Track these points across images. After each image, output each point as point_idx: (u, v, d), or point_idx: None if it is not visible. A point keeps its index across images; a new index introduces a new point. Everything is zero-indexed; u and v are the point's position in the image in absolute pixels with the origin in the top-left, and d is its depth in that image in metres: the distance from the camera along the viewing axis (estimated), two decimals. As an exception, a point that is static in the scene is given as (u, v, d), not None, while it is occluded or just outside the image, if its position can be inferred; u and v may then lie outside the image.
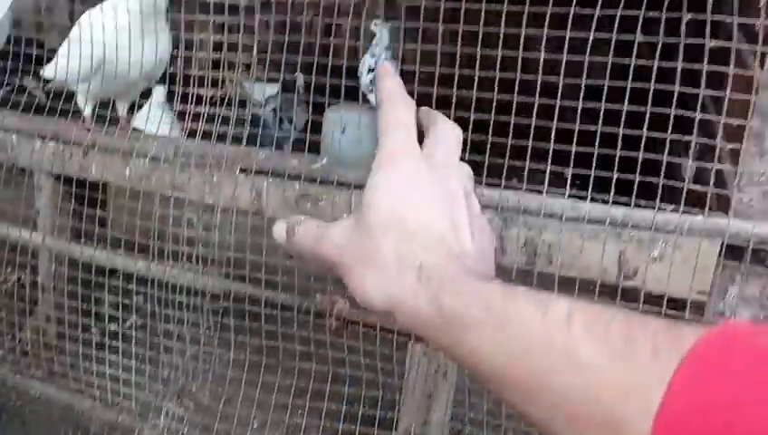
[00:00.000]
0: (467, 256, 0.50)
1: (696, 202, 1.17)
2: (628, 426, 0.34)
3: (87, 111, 1.98)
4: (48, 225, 2.04)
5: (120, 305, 1.62)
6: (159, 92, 2.34)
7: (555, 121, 1.10)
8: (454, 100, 1.27)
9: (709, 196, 1.03)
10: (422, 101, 0.61)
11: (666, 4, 1.00)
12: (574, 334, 0.39)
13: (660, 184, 1.06)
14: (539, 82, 1.13)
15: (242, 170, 1.48)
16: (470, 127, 1.18)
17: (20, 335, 2.08)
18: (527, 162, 1.19)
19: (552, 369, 0.39)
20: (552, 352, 0.39)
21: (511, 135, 1.17)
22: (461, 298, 0.45)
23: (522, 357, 0.41)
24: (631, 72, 1.08)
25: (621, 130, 1.07)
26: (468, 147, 1.24)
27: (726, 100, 1.03)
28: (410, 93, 0.59)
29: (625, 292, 1.43)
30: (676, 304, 1.39)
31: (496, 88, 1.17)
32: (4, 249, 2.00)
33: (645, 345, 0.36)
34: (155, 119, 1.70)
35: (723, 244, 1.08)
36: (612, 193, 1.13)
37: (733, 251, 1.09)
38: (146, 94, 2.15)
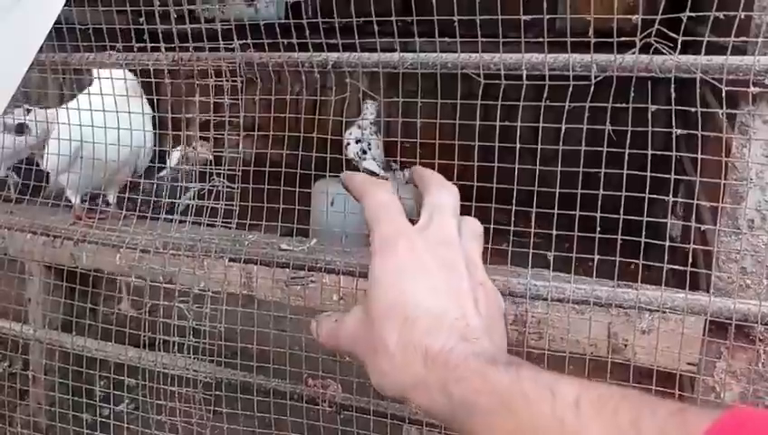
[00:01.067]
0: (473, 331, 0.51)
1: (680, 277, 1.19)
2: None
3: (76, 202, 2.02)
4: (39, 315, 2.04)
5: (112, 395, 1.60)
6: (175, 158, 2.37)
7: (535, 208, 1.12)
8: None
9: (688, 274, 1.05)
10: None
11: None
12: (583, 419, 0.39)
13: (640, 264, 1.08)
14: (516, 169, 1.16)
15: (231, 260, 1.50)
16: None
17: (9, 428, 2.05)
18: (510, 245, 1.21)
19: None
20: None
21: (492, 220, 1.20)
22: (469, 385, 0.46)
23: None
24: (604, 159, 1.12)
25: (599, 214, 1.10)
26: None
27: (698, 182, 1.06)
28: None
29: (617, 365, 1.44)
30: (670, 377, 1.39)
31: (476, 177, 1.20)
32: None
33: (652, 430, 0.36)
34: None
35: (706, 320, 1.10)
36: (595, 274, 1.15)
37: (718, 326, 1.10)
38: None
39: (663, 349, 1.32)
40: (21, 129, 2.76)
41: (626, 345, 1.42)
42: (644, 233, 1.09)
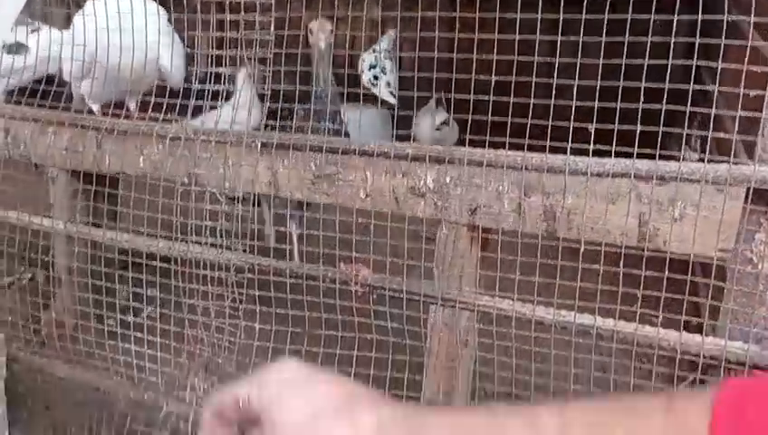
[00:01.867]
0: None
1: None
2: None
3: (95, 108, 2.01)
4: (64, 217, 2.05)
5: (145, 284, 1.62)
6: (242, 77, 2.31)
7: (577, 79, 1.11)
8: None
9: (734, 142, 1.04)
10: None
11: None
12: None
13: (683, 134, 1.07)
14: (558, 42, 1.14)
15: (263, 145, 1.49)
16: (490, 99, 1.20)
17: (40, 328, 2.09)
18: (549, 120, 1.20)
19: None
20: None
21: (533, 95, 1.19)
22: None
23: None
24: (651, 27, 1.10)
25: (643, 84, 1.08)
26: (490, 110, 1.26)
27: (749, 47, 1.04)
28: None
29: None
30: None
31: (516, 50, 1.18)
32: (17, 247, 2.00)
33: None
34: (245, 104, 1.68)
35: (749, 190, 1.09)
36: (636, 147, 1.14)
37: (759, 196, 1.10)
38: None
39: (695, 236, 1.32)
40: (19, 48, 2.45)
41: (657, 234, 1.42)
42: (661, 122, 1.09)
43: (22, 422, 1.83)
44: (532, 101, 1.21)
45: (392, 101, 3.82)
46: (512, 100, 1.22)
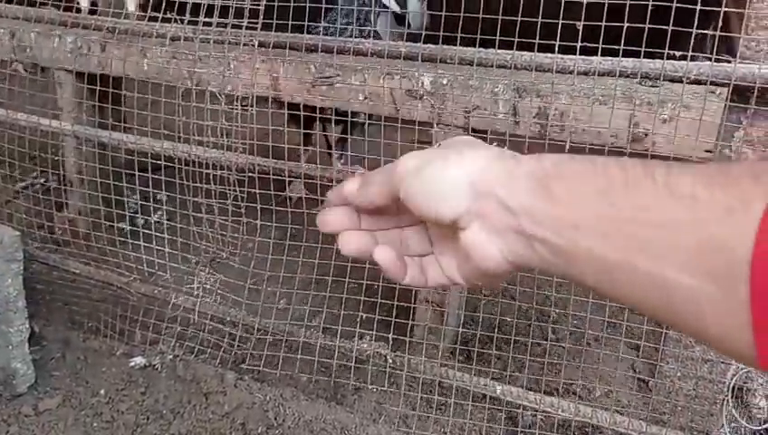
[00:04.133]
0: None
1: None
2: (729, 248, 0.33)
3: (84, 4, 2.01)
4: (71, 121, 2.09)
5: (151, 182, 1.68)
6: None
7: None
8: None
9: (717, 40, 1.06)
10: None
11: None
12: (672, 172, 0.36)
13: (669, 31, 1.09)
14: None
15: (260, 44, 1.52)
16: None
17: (54, 231, 2.17)
18: (539, 18, 1.22)
19: (654, 205, 0.36)
20: (653, 190, 0.36)
21: None
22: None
23: (622, 200, 0.37)
24: None
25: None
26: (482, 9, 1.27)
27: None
28: None
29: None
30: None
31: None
32: (28, 155, 2.06)
33: (742, 173, 0.34)
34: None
35: (729, 89, 1.12)
36: (622, 46, 1.16)
37: (740, 95, 1.12)
38: None
39: (682, 137, 1.35)
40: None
41: (646, 135, 1.46)
42: (647, 20, 1.10)
43: (41, 316, 1.93)
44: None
45: (395, 8, 3.74)
46: None
